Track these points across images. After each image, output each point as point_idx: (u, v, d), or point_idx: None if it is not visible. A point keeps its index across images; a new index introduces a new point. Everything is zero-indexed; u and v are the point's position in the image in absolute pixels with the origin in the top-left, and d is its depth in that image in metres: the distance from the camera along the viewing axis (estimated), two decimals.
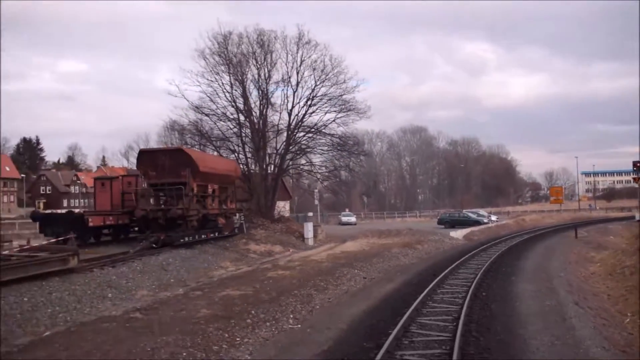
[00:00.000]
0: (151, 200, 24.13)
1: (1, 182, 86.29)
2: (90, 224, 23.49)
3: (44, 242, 18.27)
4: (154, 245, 21.65)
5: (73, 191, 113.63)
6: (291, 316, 12.20)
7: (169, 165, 23.42)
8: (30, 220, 23.86)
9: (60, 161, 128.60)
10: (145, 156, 24.78)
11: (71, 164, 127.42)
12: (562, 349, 9.31)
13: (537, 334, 10.27)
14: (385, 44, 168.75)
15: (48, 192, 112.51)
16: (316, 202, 55.17)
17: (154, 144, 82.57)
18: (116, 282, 15.87)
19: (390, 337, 9.38)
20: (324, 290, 15.63)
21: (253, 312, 11.98)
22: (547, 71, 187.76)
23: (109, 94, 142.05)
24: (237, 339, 10.03)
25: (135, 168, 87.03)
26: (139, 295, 15.05)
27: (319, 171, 40.08)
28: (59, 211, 30.89)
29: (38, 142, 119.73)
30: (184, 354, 8.80)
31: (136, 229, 25.86)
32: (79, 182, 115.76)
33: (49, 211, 33.44)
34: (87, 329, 10.65)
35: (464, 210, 60.48)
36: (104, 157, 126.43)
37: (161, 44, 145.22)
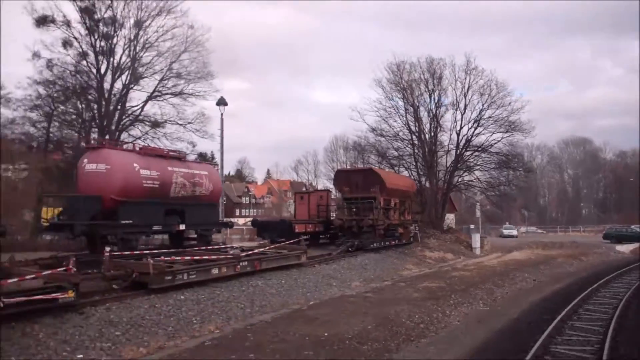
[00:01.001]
0: (345, 212, 29.00)
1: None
2: (297, 231, 28.77)
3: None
4: (349, 249, 26.31)
5: (244, 202, 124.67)
6: (480, 301, 15.99)
7: (361, 182, 28.20)
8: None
9: (230, 174, 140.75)
10: (341, 175, 29.95)
11: (240, 176, 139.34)
12: None
13: None
14: (542, 49, 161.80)
15: (223, 202, 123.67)
16: (478, 215, 57.66)
17: (321, 159, 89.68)
18: (334, 275, 20.59)
19: (562, 313, 12.95)
20: (501, 287, 19.17)
21: (452, 296, 15.98)
22: None
23: (268, 110, 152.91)
24: (447, 311, 14.06)
25: (300, 181, 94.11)
26: (354, 285, 19.55)
27: (484, 186, 43.20)
28: (273, 219, 37.05)
29: (212, 157, 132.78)
30: (417, 316, 13.00)
31: (327, 235, 30.87)
32: (250, 193, 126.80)
33: (265, 219, 39.84)
34: (338, 301, 15.31)
35: (632, 226, 59.51)
36: (268, 170, 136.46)
37: (315, 60, 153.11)
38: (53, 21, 31.98)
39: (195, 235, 22.60)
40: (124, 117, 36.13)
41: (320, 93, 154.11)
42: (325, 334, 10.82)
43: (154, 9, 34.88)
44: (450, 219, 47.90)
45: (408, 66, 40.72)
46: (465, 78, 39.81)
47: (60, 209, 31.98)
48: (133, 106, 36.43)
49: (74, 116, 36.71)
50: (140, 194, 18.74)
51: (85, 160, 18.55)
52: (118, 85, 35.53)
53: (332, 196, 34.58)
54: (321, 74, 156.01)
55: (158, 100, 36.16)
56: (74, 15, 33.29)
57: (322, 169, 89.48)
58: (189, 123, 36.87)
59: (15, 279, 10.47)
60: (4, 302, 9.54)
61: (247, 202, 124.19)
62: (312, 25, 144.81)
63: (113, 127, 35.32)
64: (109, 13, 33.95)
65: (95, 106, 35.89)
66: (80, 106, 36.27)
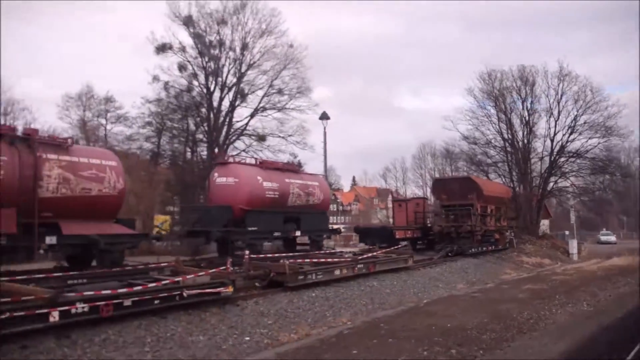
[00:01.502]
0: (443, 218, 30.33)
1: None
2: (397, 236, 30.38)
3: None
4: (449, 254, 27.65)
5: (332, 209, 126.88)
6: (584, 302, 16.95)
7: (459, 190, 29.51)
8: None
9: None
10: (439, 183, 31.46)
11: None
12: None
13: None
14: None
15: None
16: (572, 220, 56.98)
17: (409, 166, 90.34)
18: (438, 277, 22.09)
19: None
20: (603, 290, 19.90)
21: (557, 297, 17.09)
22: None
23: (352, 117, 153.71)
24: (553, 310, 15.23)
25: (387, 187, 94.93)
26: (459, 287, 20.93)
27: (579, 192, 43.19)
28: (375, 226, 39.04)
29: (300, 165, 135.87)
30: (525, 313, 14.29)
31: (424, 241, 32.23)
32: (337, 200, 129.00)
33: (364, 226, 41.79)
34: (449, 299, 16.82)
35: None
36: (354, 177, 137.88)
37: (398, 64, 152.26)
38: (170, 48, 35.34)
39: (309, 241, 24.69)
40: (230, 131, 39.03)
41: (404, 98, 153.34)
42: (448, 325, 12.39)
43: (257, 30, 37.70)
44: (544, 224, 47.97)
45: (499, 74, 41.67)
46: (559, 84, 40.36)
47: (168, 217, 35.14)
48: (237, 121, 39.30)
49: (182, 131, 40.07)
50: (263, 204, 21.02)
51: (216, 174, 21.04)
52: (225, 101, 38.56)
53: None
54: (404, 78, 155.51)
55: (262, 115, 38.83)
56: (187, 40, 36.61)
57: (409, 176, 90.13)
58: (290, 135, 39.36)
59: (192, 275, 12.75)
60: (186, 294, 11.80)
61: (335, 209, 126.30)
62: (394, 30, 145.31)
63: (221, 141, 38.27)
64: (217, 37, 37.05)
65: (204, 122, 39.03)
66: (187, 122, 39.52)
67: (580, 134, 39.91)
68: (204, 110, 38.20)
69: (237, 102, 38.32)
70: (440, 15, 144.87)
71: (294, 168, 24.05)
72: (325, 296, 15.74)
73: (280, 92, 39.16)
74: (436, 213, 30.85)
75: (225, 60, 37.57)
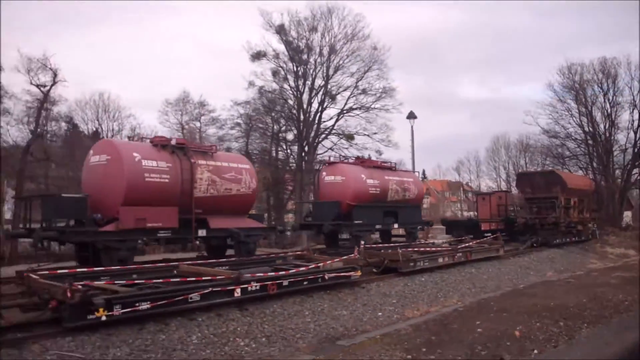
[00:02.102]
0: (527, 211, 31.79)
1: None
2: (482, 228, 32.07)
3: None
4: (534, 245, 29.15)
5: None
6: None
7: (543, 183, 30.94)
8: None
9: None
10: (523, 177, 33.03)
11: None
12: None
13: None
14: None
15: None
16: None
17: (482, 159, 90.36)
18: (528, 266, 23.81)
19: None
20: None
21: None
22: None
23: (419, 109, 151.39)
24: None
25: (458, 181, 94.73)
26: (548, 275, 22.58)
27: None
28: (461, 219, 40.87)
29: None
30: (620, 295, 15.92)
31: (507, 233, 33.65)
32: None
33: (453, 218, 43.61)
34: (544, 284, 18.60)
35: None
36: (424, 170, 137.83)
37: (462, 55, 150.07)
38: (264, 55, 38.15)
39: (404, 233, 26.86)
40: (319, 131, 41.51)
41: (470, 89, 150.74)
42: (551, 304, 14.28)
43: (343, 35, 39.99)
44: (627, 216, 48.23)
45: (579, 68, 42.37)
46: None
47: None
48: (325, 120, 41.73)
49: (267, 131, 42.91)
50: (366, 199, 23.29)
51: (324, 173, 23.50)
52: (314, 102, 41.06)
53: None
54: (469, 69, 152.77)
55: (349, 115, 41.09)
56: (276, 46, 39.34)
57: (483, 169, 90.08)
58: (374, 133, 41.47)
59: (330, 261, 15.20)
60: (327, 276, 14.25)
61: None
62: (459, 18, 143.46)
63: (310, 140, 40.78)
64: (306, 43, 39.59)
65: (290, 120, 41.68)
66: (275, 123, 42.30)
67: None
68: (294, 111, 40.78)
69: (326, 104, 40.66)
70: (508, 2, 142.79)
71: (391, 166, 26.20)
72: (433, 280, 17.90)
73: (364, 92, 41.28)
74: (521, 206, 32.35)
75: (315, 64, 40.06)
